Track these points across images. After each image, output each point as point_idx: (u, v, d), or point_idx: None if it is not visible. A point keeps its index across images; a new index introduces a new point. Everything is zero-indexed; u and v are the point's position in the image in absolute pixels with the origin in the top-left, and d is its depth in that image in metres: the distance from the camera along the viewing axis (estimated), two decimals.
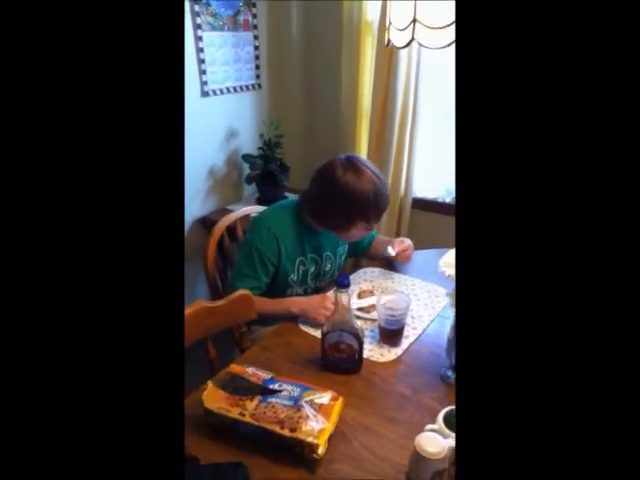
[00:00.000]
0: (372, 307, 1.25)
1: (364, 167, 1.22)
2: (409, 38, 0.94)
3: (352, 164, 1.22)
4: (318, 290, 1.43)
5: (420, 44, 0.93)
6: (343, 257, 1.48)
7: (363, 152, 2.23)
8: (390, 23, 1.03)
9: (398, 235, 2.28)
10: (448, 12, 0.86)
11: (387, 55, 1.95)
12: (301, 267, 1.34)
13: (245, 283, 1.25)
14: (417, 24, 0.90)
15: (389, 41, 1.06)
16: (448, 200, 2.18)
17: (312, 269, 1.37)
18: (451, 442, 0.75)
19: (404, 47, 1.00)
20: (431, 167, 2.20)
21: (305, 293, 1.39)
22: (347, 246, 1.48)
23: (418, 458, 0.72)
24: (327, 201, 1.24)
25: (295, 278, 1.34)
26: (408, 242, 1.48)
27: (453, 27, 0.86)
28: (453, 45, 0.91)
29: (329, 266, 1.42)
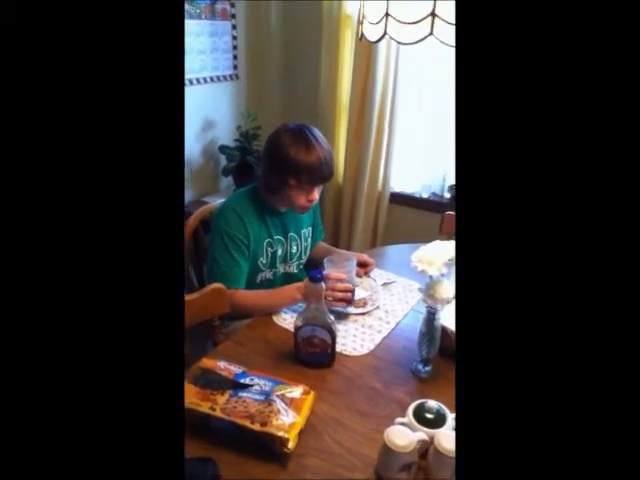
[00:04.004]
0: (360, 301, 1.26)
1: (308, 133, 1.22)
2: (382, 32, 0.93)
3: (295, 128, 1.23)
4: (287, 275, 1.42)
5: (392, 38, 0.93)
6: (309, 240, 1.47)
7: (341, 145, 2.23)
8: (364, 17, 1.02)
9: (375, 229, 2.28)
10: (420, 7, 0.86)
11: (366, 49, 1.95)
12: (269, 249, 1.33)
13: (229, 281, 1.21)
14: (389, 18, 0.89)
15: (362, 35, 1.05)
16: (425, 195, 2.20)
17: (279, 251, 1.36)
18: (420, 435, 0.76)
19: (377, 42, 1.00)
20: (409, 162, 2.21)
21: (274, 278, 1.38)
22: (311, 229, 1.47)
23: (387, 451, 0.73)
24: (266, 161, 1.27)
25: (265, 261, 1.33)
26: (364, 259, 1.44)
27: (425, 22, 0.86)
28: (427, 40, 0.91)
29: (295, 248, 1.41)
